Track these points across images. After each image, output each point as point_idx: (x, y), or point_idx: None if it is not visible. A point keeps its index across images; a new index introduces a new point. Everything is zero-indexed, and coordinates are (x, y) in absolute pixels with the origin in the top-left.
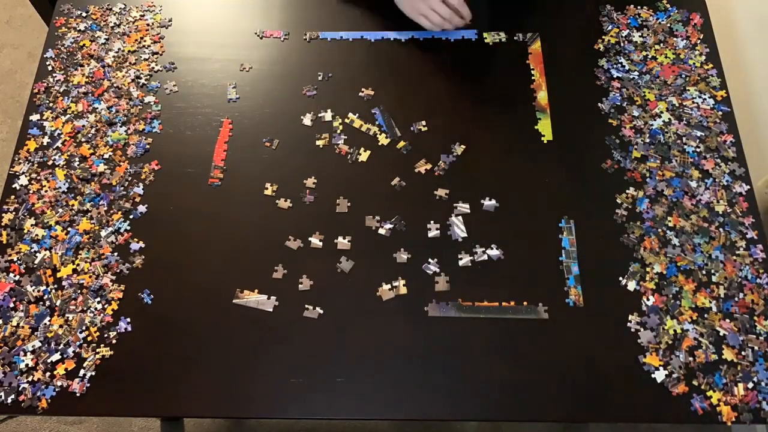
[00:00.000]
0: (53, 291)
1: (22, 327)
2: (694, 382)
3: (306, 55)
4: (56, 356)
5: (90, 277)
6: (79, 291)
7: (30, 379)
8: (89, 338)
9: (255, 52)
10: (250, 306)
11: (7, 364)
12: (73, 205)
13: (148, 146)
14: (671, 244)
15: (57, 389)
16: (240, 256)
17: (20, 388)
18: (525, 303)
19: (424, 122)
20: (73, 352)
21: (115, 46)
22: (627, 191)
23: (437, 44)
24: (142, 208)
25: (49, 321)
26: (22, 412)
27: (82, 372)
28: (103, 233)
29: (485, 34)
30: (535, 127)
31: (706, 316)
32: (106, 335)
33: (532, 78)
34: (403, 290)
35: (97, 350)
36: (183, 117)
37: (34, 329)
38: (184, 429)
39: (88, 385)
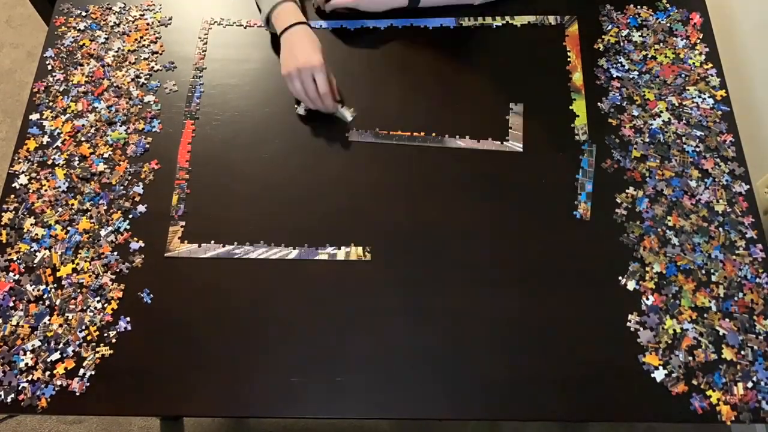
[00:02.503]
0: (53, 290)
1: (22, 326)
2: (694, 382)
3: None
4: (56, 355)
5: (90, 276)
6: (78, 290)
7: (29, 378)
8: (89, 337)
9: (254, 50)
10: (250, 305)
11: (6, 363)
12: (72, 204)
13: (147, 145)
14: (671, 244)
15: (57, 388)
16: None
17: (20, 388)
18: None
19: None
20: (73, 351)
21: (115, 46)
22: (627, 191)
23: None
24: (141, 208)
25: (49, 320)
26: (22, 411)
27: (81, 371)
28: (102, 232)
29: (516, 18)
30: (570, 108)
31: (705, 315)
32: (105, 334)
33: (568, 59)
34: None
35: (97, 349)
36: (182, 116)
37: (34, 328)
38: (183, 429)
39: (88, 384)
